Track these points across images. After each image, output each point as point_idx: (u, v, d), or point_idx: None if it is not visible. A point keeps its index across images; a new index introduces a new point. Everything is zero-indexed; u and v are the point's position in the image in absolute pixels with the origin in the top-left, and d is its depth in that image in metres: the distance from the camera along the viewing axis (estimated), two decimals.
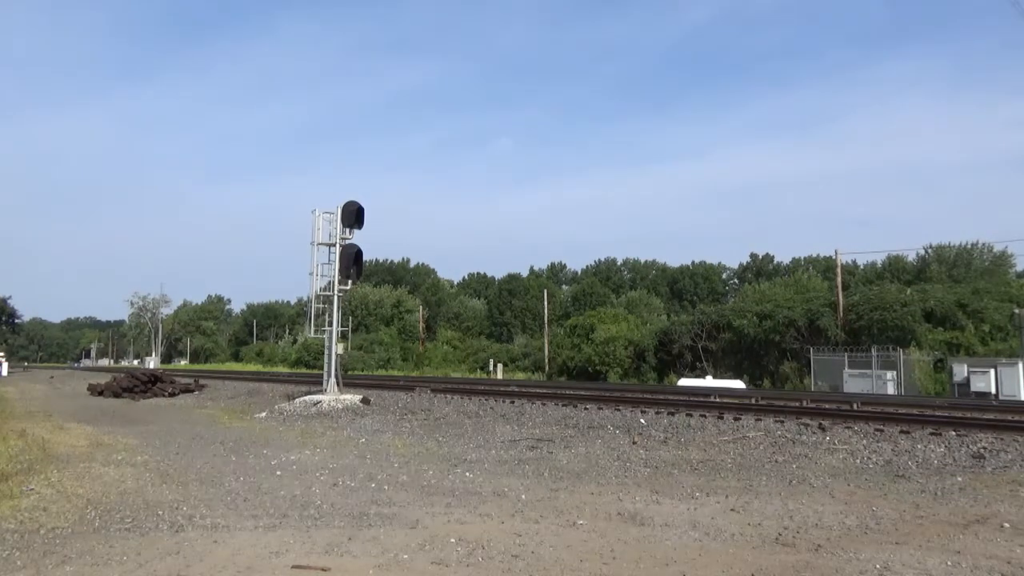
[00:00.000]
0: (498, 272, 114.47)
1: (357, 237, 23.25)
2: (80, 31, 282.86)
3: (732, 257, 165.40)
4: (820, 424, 14.26)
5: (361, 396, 22.57)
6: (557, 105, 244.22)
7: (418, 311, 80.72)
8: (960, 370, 28.84)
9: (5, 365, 70.57)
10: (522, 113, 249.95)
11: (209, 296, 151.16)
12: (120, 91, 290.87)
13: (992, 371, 27.54)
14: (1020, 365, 27.10)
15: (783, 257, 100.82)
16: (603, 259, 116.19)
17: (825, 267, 76.59)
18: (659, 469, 10.84)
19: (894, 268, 72.43)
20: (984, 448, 11.58)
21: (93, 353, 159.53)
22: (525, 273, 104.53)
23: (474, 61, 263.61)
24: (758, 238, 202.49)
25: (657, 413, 17.08)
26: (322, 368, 24.80)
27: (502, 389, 27.32)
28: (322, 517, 7.69)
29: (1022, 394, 26.26)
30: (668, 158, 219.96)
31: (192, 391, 32.44)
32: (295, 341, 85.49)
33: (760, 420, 15.28)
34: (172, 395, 31.04)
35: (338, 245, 22.88)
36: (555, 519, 7.58)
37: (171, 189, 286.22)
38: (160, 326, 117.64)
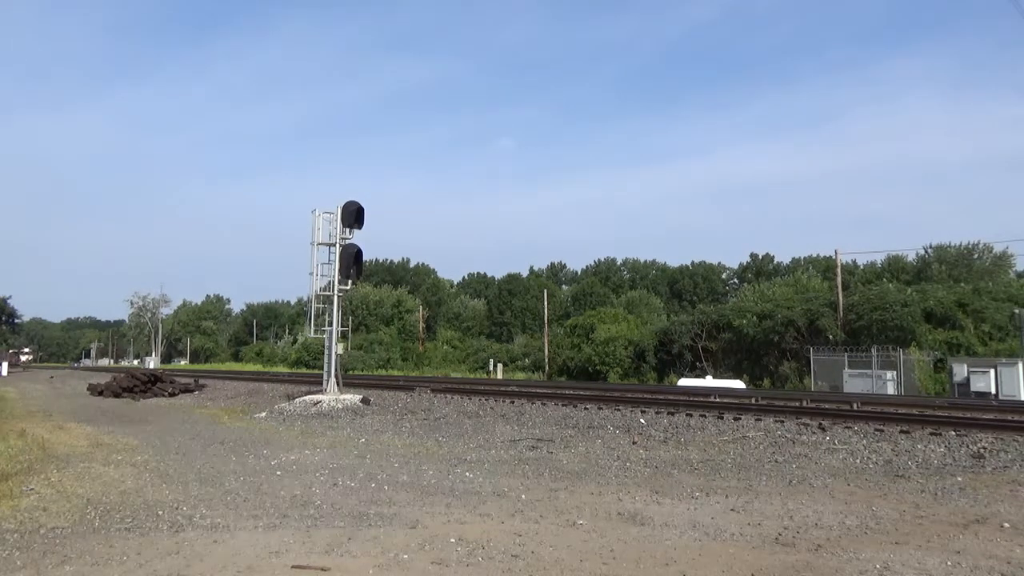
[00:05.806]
0: (498, 272, 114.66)
1: (357, 237, 23.29)
2: (80, 31, 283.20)
3: (732, 257, 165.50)
4: (820, 424, 14.26)
5: (361, 396, 22.57)
6: (557, 105, 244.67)
7: (418, 311, 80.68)
8: (960, 370, 28.80)
9: (5, 365, 70.57)
10: (522, 113, 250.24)
11: (209, 296, 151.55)
12: (120, 91, 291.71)
13: (992, 371, 27.49)
14: (1020, 365, 27.05)
15: (783, 257, 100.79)
16: (603, 259, 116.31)
17: (825, 267, 76.46)
18: (659, 469, 10.83)
19: (894, 268, 72.37)
20: (984, 448, 11.57)
21: (93, 353, 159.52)
22: (525, 273, 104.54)
23: (474, 60, 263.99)
24: (758, 238, 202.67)
25: (657, 413, 17.07)
26: (322, 368, 24.80)
27: (502, 389, 27.30)
28: (322, 517, 7.69)
29: (1022, 394, 26.23)
30: (668, 157, 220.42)
31: (192, 391, 32.44)
32: (295, 341, 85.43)
33: (760, 420, 15.27)
34: (172, 395, 31.04)
35: (338, 245, 22.89)
36: (555, 519, 7.58)
37: (171, 189, 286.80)
38: (160, 326, 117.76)
